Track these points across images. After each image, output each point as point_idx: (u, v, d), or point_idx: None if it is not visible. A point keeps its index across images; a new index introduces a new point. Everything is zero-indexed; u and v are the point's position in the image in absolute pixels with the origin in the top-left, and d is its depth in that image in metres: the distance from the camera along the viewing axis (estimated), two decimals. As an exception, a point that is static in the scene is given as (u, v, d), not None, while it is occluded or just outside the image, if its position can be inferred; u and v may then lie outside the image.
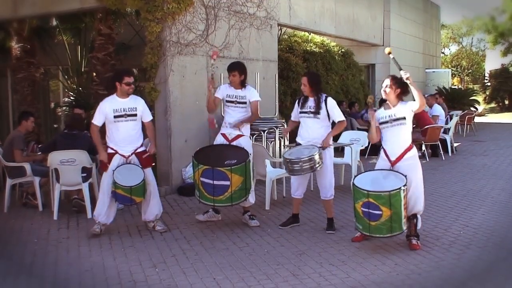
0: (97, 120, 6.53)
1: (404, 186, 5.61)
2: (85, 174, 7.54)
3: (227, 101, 6.92)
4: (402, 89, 5.94)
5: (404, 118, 5.87)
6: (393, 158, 5.91)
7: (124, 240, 6.44)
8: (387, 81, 5.98)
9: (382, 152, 6.06)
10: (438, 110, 14.06)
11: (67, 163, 7.39)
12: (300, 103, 6.72)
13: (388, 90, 5.93)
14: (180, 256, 5.82)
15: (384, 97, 6.05)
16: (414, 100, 5.84)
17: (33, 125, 8.65)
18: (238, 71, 6.84)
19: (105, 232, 6.63)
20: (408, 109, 5.89)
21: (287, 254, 5.83)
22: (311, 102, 6.62)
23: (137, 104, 6.57)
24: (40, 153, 8.64)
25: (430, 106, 14.17)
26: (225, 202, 6.60)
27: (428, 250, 5.83)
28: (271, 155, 8.83)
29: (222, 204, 6.71)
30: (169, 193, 8.85)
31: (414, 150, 6.01)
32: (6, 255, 6.01)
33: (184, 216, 7.55)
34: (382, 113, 6.04)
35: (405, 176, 5.73)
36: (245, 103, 6.88)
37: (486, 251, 5.87)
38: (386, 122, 5.95)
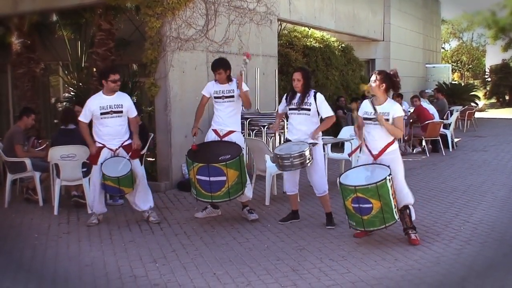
0: (84, 117, 6.79)
1: (389, 175, 5.62)
2: (85, 169, 7.55)
3: (215, 97, 6.93)
4: (387, 85, 5.94)
5: (387, 120, 5.86)
6: (375, 152, 5.92)
7: (124, 235, 6.45)
8: (373, 76, 5.98)
9: (363, 146, 6.06)
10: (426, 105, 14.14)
11: (68, 158, 7.41)
12: (288, 99, 6.71)
13: (373, 84, 5.93)
14: (180, 251, 5.83)
15: (370, 92, 6.02)
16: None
17: (33, 123, 8.65)
18: (222, 69, 6.85)
19: (105, 227, 6.66)
20: (391, 113, 5.88)
21: (287, 249, 5.84)
22: (297, 98, 6.61)
23: (123, 101, 6.79)
24: (40, 148, 8.66)
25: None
26: (222, 198, 6.62)
27: (428, 246, 5.83)
28: (271, 150, 8.82)
29: (220, 200, 6.74)
30: (169, 188, 8.86)
31: (396, 144, 5.98)
32: (6, 250, 6.02)
33: (184, 211, 7.56)
34: (367, 108, 5.98)
35: (388, 166, 5.75)
36: (232, 96, 6.88)
37: (486, 247, 5.88)
38: (370, 119, 5.94)
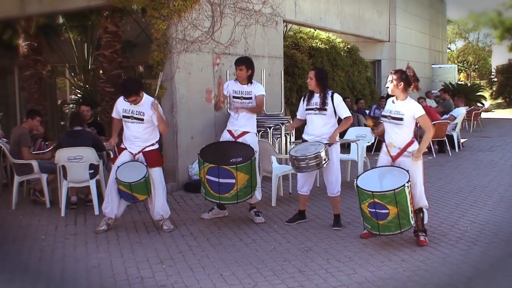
0: (114, 113, 6.76)
1: (407, 182, 5.60)
2: (92, 171, 7.58)
3: (234, 97, 6.91)
4: (405, 83, 5.90)
5: (402, 119, 5.81)
6: (393, 153, 5.89)
7: (131, 236, 6.47)
8: (389, 77, 5.97)
9: (383, 146, 6.06)
10: (459, 111, 14.21)
11: (75, 160, 7.43)
12: (306, 100, 6.71)
13: (390, 85, 5.92)
14: (187, 252, 5.84)
15: (390, 93, 6.03)
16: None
17: (38, 125, 8.66)
18: (245, 66, 6.83)
19: (112, 229, 6.67)
20: (411, 112, 5.81)
21: (294, 250, 5.85)
22: (316, 98, 6.60)
23: (146, 109, 6.48)
24: (47, 150, 8.71)
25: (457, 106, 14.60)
26: (230, 200, 6.63)
27: (434, 246, 5.83)
28: (277, 151, 8.83)
29: (227, 202, 6.77)
30: (176, 190, 8.88)
31: (416, 145, 5.92)
32: (14, 251, 6.05)
33: (190, 212, 7.58)
34: (387, 106, 6.02)
35: (407, 171, 5.72)
36: (251, 98, 6.87)
37: (493, 247, 5.87)
38: (385, 117, 5.95)
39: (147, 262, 5.54)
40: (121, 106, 6.58)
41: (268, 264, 5.42)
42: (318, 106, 6.54)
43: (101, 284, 5.04)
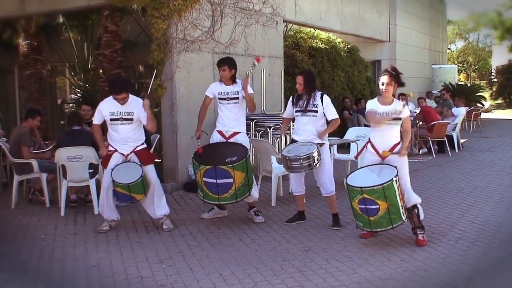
0: (96, 119, 6.65)
1: (395, 177, 5.63)
2: (92, 170, 7.58)
3: (220, 98, 6.89)
4: (399, 83, 5.94)
5: (401, 119, 5.86)
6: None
7: (131, 236, 6.47)
8: (385, 79, 5.91)
9: (369, 146, 6.04)
10: (459, 111, 14.26)
11: (74, 159, 7.43)
12: (294, 101, 6.71)
13: (388, 88, 5.89)
14: (187, 252, 5.84)
15: (385, 94, 5.98)
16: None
17: (38, 124, 8.66)
18: (227, 66, 6.81)
19: (112, 228, 6.67)
20: (403, 112, 5.84)
21: (293, 250, 5.85)
22: (304, 100, 6.61)
23: (134, 108, 6.47)
24: (46, 149, 8.71)
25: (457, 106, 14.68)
26: (229, 200, 6.63)
27: (434, 247, 5.83)
28: (277, 151, 8.82)
29: (227, 202, 6.77)
30: (175, 190, 8.88)
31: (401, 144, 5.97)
32: (14, 251, 6.05)
33: (190, 212, 7.58)
34: (378, 107, 5.96)
35: (395, 166, 5.75)
36: (237, 98, 6.84)
37: (492, 247, 5.87)
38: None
39: (147, 261, 5.55)
40: (106, 110, 6.50)
41: (268, 264, 5.42)
42: (306, 108, 6.56)
43: (100, 283, 5.04)
